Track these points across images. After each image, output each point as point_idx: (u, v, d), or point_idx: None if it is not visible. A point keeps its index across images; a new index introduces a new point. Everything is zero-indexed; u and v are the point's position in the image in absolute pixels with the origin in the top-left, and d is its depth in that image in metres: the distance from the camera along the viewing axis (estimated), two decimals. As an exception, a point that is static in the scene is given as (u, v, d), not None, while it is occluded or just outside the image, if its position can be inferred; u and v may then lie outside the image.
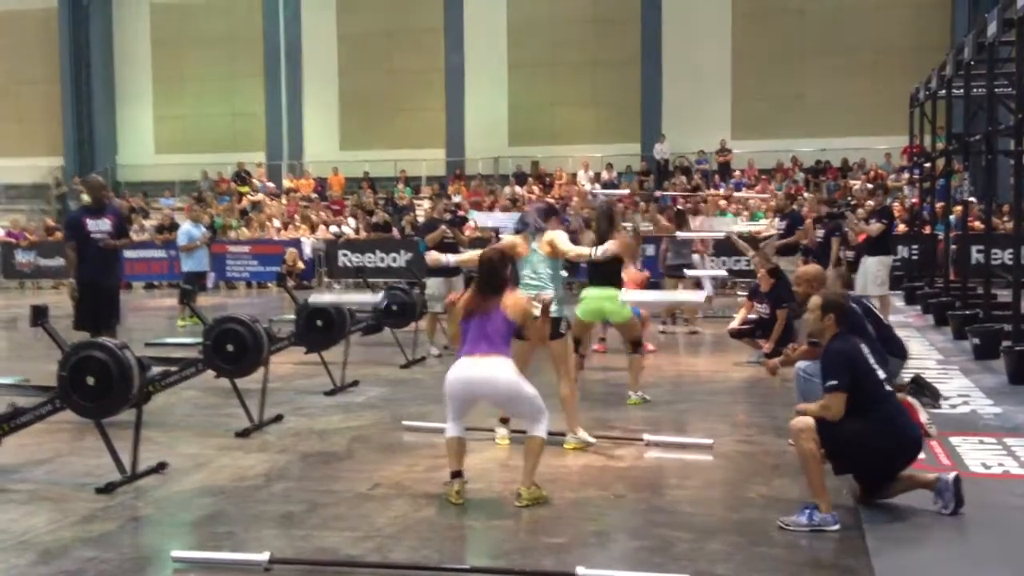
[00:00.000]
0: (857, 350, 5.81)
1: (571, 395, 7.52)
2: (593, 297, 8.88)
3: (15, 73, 32.90)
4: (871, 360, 5.83)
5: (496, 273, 6.30)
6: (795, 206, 17.02)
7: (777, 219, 14.79)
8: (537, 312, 6.50)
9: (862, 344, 5.91)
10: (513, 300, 6.26)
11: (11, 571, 5.11)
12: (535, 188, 27.86)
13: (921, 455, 6.82)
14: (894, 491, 5.91)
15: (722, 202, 23.65)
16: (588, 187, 27.11)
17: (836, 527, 5.51)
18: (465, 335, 6.19)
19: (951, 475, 5.80)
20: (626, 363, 9.34)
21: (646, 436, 7.64)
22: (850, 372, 5.67)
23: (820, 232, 14.27)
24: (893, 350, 8.15)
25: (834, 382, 5.65)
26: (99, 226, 9.86)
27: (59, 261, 25.14)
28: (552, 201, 7.97)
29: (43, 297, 22.38)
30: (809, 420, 5.65)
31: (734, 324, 11.61)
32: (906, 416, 6.00)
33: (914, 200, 20.79)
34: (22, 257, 25.02)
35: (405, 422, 8.30)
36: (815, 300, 6.09)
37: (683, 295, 10.11)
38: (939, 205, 18.33)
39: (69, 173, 32.06)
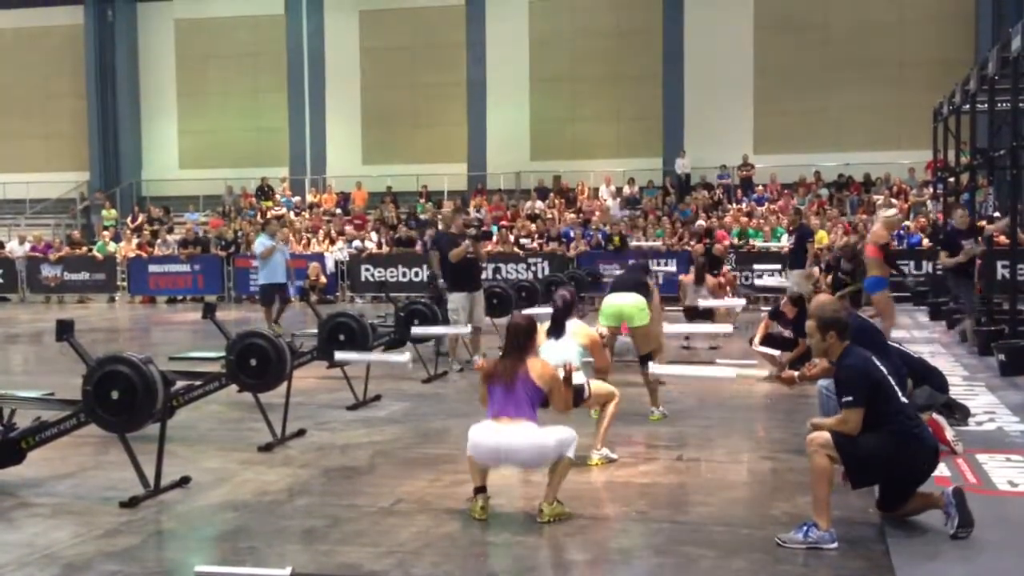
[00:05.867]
0: (870, 363, 5.75)
1: (609, 413, 7.52)
2: (614, 302, 9.21)
3: (42, 89, 33.17)
4: (884, 371, 5.78)
5: (523, 339, 6.34)
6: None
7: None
8: (562, 376, 6.53)
9: (873, 356, 5.86)
10: (541, 366, 6.30)
11: (36, 585, 5.13)
12: (556, 202, 27.85)
13: (947, 472, 6.80)
14: (910, 509, 5.84)
15: (743, 218, 23.61)
16: (610, 203, 27.07)
17: (834, 545, 5.48)
18: (492, 398, 6.21)
19: (950, 488, 5.72)
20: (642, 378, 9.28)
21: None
22: (865, 388, 5.62)
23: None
24: (934, 383, 8.16)
25: (849, 398, 5.62)
26: None
27: (85, 275, 25.44)
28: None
29: (69, 312, 22.52)
30: (827, 436, 5.60)
31: (755, 339, 11.58)
32: (924, 427, 5.93)
33: (938, 214, 20.67)
34: (48, 271, 25.18)
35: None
36: (810, 324, 5.95)
37: (713, 371, 10.12)
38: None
39: (94, 188, 32.26)
